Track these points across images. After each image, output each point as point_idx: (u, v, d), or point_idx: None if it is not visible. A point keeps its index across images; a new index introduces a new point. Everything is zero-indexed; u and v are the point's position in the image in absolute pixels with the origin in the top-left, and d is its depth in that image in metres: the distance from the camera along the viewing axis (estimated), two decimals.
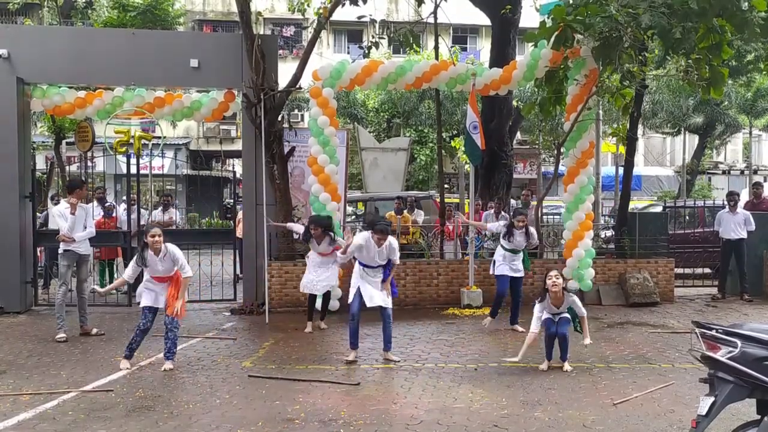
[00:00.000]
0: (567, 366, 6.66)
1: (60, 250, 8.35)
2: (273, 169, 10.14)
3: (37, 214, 11.07)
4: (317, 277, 8.39)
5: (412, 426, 5.12)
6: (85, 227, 8.40)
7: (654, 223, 11.61)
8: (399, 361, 7.04)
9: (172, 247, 6.84)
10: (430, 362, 7.04)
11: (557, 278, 6.52)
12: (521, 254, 8.73)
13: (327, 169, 9.72)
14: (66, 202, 8.42)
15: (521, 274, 8.74)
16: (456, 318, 9.51)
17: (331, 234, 8.38)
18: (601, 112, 14.75)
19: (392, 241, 7.22)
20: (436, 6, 11.29)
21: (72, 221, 8.21)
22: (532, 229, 8.91)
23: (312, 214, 9.44)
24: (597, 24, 8.20)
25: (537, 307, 6.71)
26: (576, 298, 6.74)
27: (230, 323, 9.29)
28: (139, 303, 7.03)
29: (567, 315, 6.71)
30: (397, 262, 7.38)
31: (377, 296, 7.09)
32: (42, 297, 10.77)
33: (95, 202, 11.55)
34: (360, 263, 7.23)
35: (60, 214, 8.34)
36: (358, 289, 7.12)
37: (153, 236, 6.72)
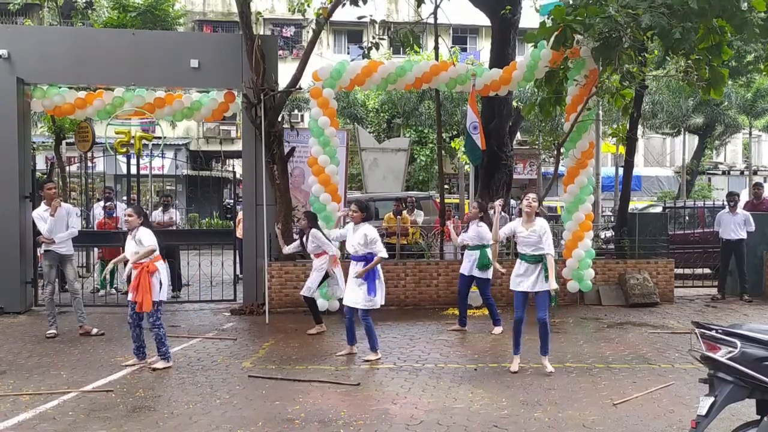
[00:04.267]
0: (547, 364, 6.52)
1: (41, 251, 8.44)
2: (273, 170, 10.15)
3: None
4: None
5: (411, 426, 5.12)
6: (68, 227, 8.46)
7: (654, 224, 11.61)
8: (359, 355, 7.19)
9: (143, 229, 6.80)
10: (429, 362, 7.05)
11: (534, 201, 6.62)
12: (478, 251, 8.37)
13: (327, 170, 9.73)
14: (44, 204, 8.51)
15: (480, 274, 8.37)
16: (456, 318, 9.47)
17: (317, 231, 8.24)
18: (600, 112, 14.74)
19: (368, 230, 7.09)
20: (436, 6, 11.29)
21: (51, 223, 8.28)
22: (479, 225, 8.44)
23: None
24: (597, 24, 8.21)
25: (511, 223, 6.88)
26: (546, 225, 6.63)
27: (230, 323, 9.30)
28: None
29: (545, 289, 6.50)
30: (380, 254, 7.03)
31: (350, 294, 7.13)
32: (42, 297, 10.77)
33: (102, 202, 11.60)
34: (351, 257, 7.31)
35: (39, 217, 8.45)
36: (347, 285, 7.26)
37: (128, 215, 6.91)
